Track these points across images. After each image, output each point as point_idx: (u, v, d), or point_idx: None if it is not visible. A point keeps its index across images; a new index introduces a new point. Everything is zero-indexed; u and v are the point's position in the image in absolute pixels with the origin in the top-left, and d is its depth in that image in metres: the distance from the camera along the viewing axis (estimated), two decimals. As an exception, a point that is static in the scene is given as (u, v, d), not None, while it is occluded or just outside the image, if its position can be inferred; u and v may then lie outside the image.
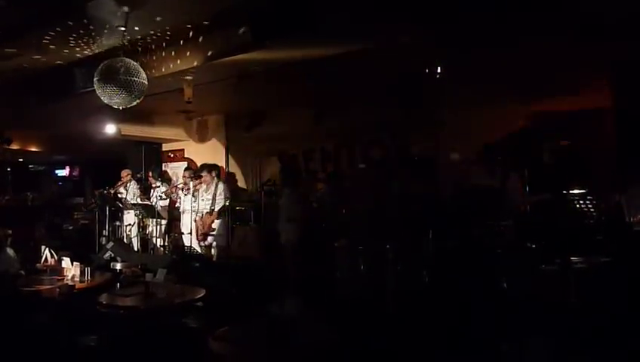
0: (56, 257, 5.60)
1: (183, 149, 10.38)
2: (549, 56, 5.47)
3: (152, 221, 8.24)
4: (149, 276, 4.69)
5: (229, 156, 9.75)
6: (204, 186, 7.52)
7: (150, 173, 9.21)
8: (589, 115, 6.26)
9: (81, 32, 5.33)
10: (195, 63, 5.64)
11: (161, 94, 6.77)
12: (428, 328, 4.33)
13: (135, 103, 5.03)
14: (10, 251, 5.56)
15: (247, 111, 8.84)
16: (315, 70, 5.97)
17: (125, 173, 8.86)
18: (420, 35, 4.87)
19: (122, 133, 8.98)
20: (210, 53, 5.47)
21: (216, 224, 7.43)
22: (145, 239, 8.58)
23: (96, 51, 5.86)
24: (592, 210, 4.63)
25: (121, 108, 5.06)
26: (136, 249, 8.24)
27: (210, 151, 9.65)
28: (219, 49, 5.37)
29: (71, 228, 10.41)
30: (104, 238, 8.29)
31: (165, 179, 9.51)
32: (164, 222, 8.31)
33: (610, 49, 5.30)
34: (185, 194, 7.79)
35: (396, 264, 5.32)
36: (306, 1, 4.57)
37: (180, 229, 8.12)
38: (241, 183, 9.52)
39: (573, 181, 4.99)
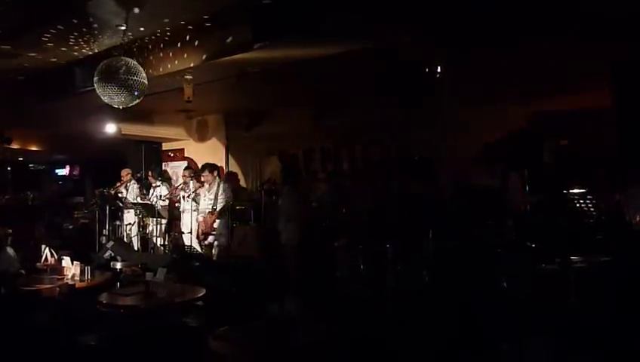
0: (56, 256, 5.59)
1: (183, 149, 10.40)
2: (549, 56, 5.47)
3: (152, 220, 8.24)
4: (149, 275, 4.68)
5: (229, 155, 9.76)
6: (206, 186, 7.52)
7: (150, 173, 9.21)
8: (589, 115, 6.26)
9: (82, 31, 5.34)
10: (195, 63, 5.63)
11: (161, 93, 6.76)
12: (428, 328, 4.33)
13: (135, 103, 5.03)
14: (10, 250, 5.56)
15: (247, 110, 8.85)
16: (315, 70, 5.97)
17: (125, 173, 8.86)
18: (420, 35, 4.87)
19: (122, 132, 9.01)
20: (210, 53, 5.47)
21: (216, 223, 7.44)
22: (145, 238, 8.58)
23: (97, 50, 5.88)
24: (592, 209, 4.64)
25: (121, 107, 5.07)
26: (136, 248, 8.24)
27: (210, 151, 9.64)
28: (219, 48, 5.37)
29: (71, 227, 10.42)
30: (104, 237, 8.28)
31: (165, 178, 9.50)
32: (164, 221, 8.31)
33: (610, 49, 5.29)
34: (186, 196, 7.80)
35: (396, 264, 5.31)
36: (306, 0, 4.57)
37: (180, 228, 8.13)
38: (241, 182, 9.52)
39: (573, 181, 5.00)
